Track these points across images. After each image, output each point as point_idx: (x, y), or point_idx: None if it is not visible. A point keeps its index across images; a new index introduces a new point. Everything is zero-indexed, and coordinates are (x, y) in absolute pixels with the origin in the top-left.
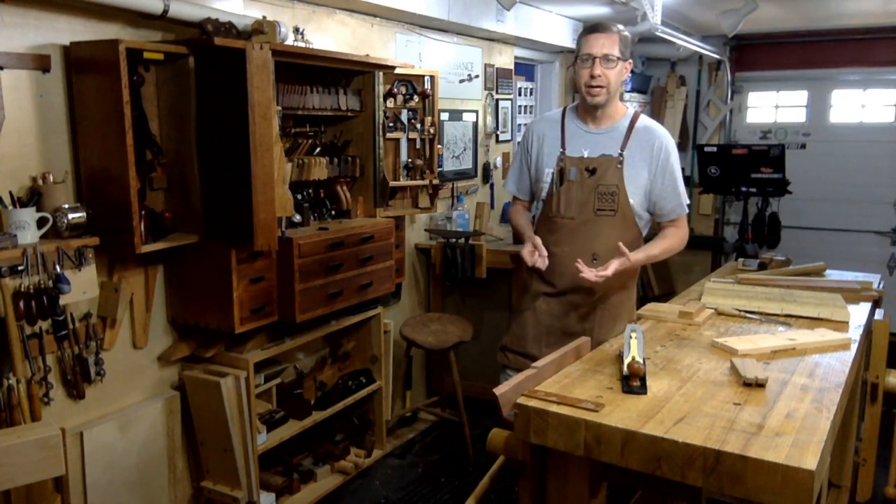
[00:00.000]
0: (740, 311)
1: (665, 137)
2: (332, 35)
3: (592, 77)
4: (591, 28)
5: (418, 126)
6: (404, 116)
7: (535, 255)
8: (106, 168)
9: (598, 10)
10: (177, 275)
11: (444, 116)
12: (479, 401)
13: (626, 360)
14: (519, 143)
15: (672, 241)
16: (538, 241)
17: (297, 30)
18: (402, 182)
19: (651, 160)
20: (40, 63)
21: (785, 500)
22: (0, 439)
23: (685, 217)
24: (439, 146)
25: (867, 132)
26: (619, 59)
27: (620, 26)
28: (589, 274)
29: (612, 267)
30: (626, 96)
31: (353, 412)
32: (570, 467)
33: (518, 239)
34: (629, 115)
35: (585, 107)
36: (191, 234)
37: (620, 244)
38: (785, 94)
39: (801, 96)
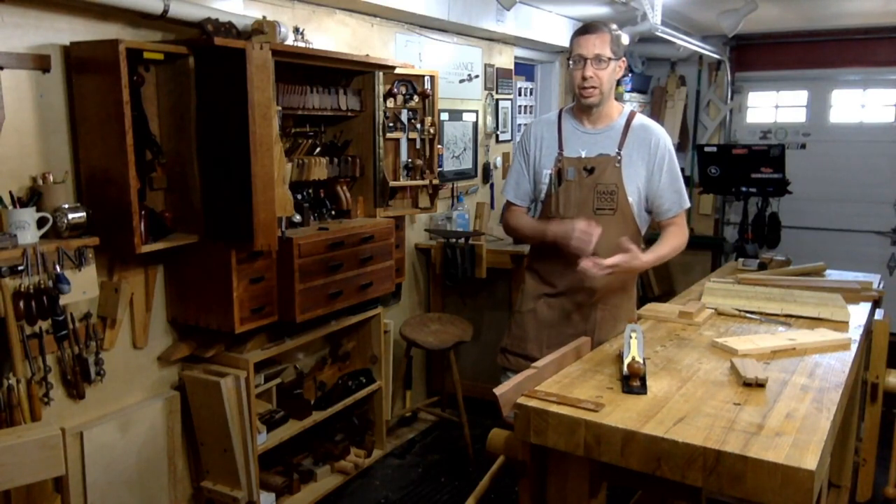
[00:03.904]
0: (740, 311)
1: (662, 135)
2: (332, 35)
3: (584, 79)
4: (582, 29)
5: (418, 126)
6: (404, 116)
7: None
8: (106, 168)
9: (598, 10)
10: (177, 275)
11: (444, 116)
12: (479, 401)
13: (626, 360)
14: (517, 145)
15: (677, 240)
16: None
17: (297, 30)
18: (402, 182)
19: (649, 158)
20: (40, 63)
21: (785, 500)
22: (0, 439)
23: (684, 214)
24: (439, 146)
25: (867, 132)
26: (610, 58)
27: (613, 25)
28: (588, 263)
29: (613, 260)
30: (626, 96)
31: (353, 412)
32: (570, 467)
33: (521, 240)
34: (625, 114)
35: (581, 107)
36: (191, 234)
37: (624, 239)
38: (785, 94)
39: (801, 96)
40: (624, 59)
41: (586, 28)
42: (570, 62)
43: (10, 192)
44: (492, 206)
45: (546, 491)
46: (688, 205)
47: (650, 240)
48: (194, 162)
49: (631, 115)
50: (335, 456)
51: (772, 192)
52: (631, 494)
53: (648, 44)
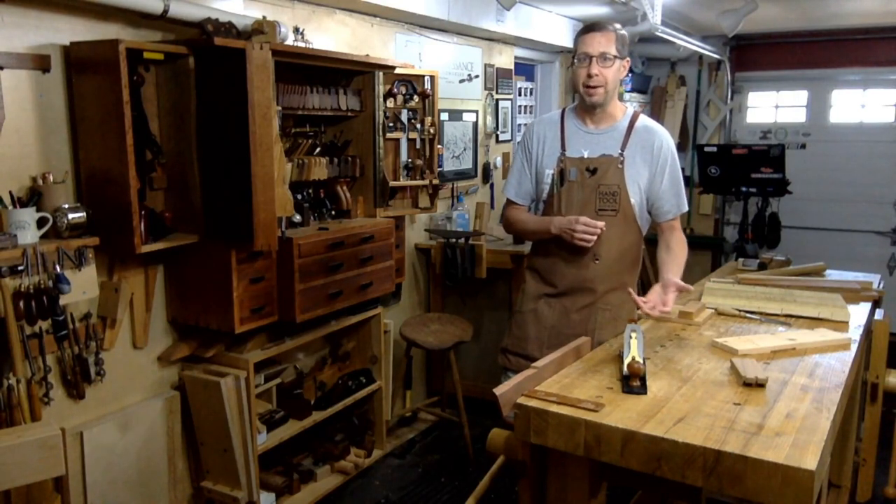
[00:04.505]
0: (740, 311)
1: (665, 137)
2: (332, 35)
3: (589, 76)
4: (588, 27)
5: (418, 126)
6: (404, 116)
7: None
8: (106, 168)
9: (598, 10)
10: (177, 275)
11: (444, 116)
12: (479, 401)
13: (626, 360)
14: (518, 144)
15: (684, 248)
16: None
17: (297, 30)
18: (402, 182)
19: (652, 160)
20: (40, 63)
21: (785, 500)
22: (0, 439)
23: (679, 218)
24: (439, 146)
25: (867, 132)
26: (616, 57)
27: (617, 25)
28: (653, 312)
29: (671, 301)
30: (626, 96)
31: (353, 412)
32: (570, 467)
33: (520, 238)
34: (629, 115)
35: (585, 107)
36: (191, 234)
37: (673, 279)
38: (785, 94)
39: (801, 96)
40: (628, 58)
41: (591, 27)
42: (575, 61)
43: (10, 192)
44: (492, 206)
45: (546, 491)
46: (686, 208)
47: (651, 240)
48: (194, 162)
49: (634, 116)
50: (335, 456)
51: (772, 192)
52: (631, 494)
53: (648, 44)
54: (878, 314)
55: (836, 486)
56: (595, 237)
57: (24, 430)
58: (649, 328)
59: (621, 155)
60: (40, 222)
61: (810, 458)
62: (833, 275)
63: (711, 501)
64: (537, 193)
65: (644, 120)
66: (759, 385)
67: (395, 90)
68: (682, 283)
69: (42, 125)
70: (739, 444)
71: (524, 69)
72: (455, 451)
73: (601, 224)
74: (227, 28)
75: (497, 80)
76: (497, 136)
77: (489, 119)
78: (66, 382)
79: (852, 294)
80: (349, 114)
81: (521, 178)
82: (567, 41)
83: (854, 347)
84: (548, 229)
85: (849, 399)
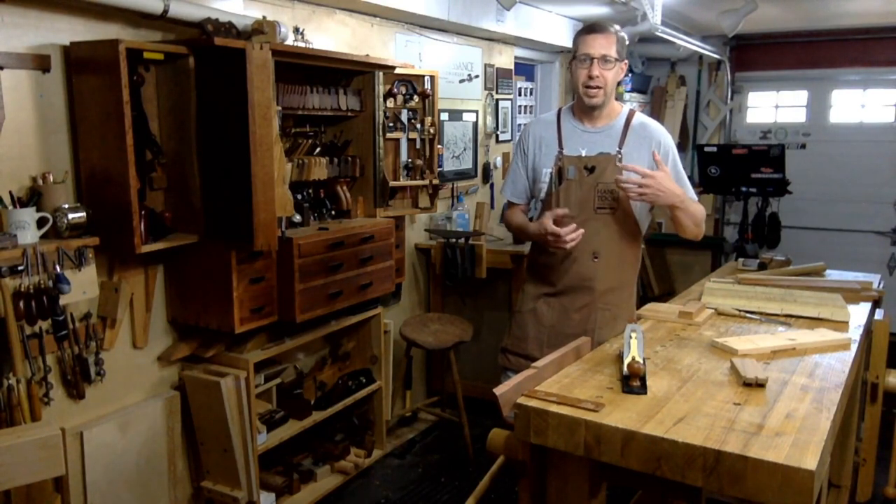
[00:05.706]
0: (740, 311)
1: (662, 133)
2: (332, 35)
3: (591, 78)
4: (589, 28)
5: (418, 126)
6: (404, 116)
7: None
8: (106, 168)
9: (598, 10)
10: (177, 275)
11: (444, 116)
12: (479, 401)
13: (626, 360)
14: (516, 145)
15: (698, 205)
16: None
17: (297, 30)
18: (402, 182)
19: (650, 156)
20: (40, 63)
21: (785, 500)
22: (0, 439)
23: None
24: (439, 146)
25: (867, 132)
26: (616, 59)
27: (617, 27)
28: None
29: (647, 170)
30: (626, 96)
31: (353, 412)
32: (570, 467)
33: (519, 238)
34: (624, 113)
35: (582, 107)
36: (191, 234)
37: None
38: (785, 94)
39: (801, 96)
40: (626, 61)
41: (593, 27)
42: (575, 61)
43: (10, 192)
44: (492, 206)
45: (546, 491)
46: (695, 199)
47: (651, 241)
48: (194, 162)
49: (630, 114)
50: (335, 456)
51: (772, 192)
52: (631, 494)
53: (648, 44)
54: (878, 314)
55: (836, 486)
56: (573, 242)
57: (24, 430)
58: (649, 328)
59: (619, 153)
60: (40, 222)
61: (810, 458)
62: (833, 275)
63: (711, 501)
64: (535, 193)
65: (640, 117)
66: (759, 385)
67: (395, 90)
68: (664, 166)
69: (42, 125)
70: (739, 444)
71: (524, 69)
72: (455, 451)
73: (568, 231)
74: (227, 28)
75: (497, 80)
76: (497, 136)
77: (489, 119)
78: (66, 382)
79: (852, 294)
80: (349, 114)
81: (516, 178)
82: (567, 41)
83: (854, 347)
84: (527, 235)
85: (849, 399)
